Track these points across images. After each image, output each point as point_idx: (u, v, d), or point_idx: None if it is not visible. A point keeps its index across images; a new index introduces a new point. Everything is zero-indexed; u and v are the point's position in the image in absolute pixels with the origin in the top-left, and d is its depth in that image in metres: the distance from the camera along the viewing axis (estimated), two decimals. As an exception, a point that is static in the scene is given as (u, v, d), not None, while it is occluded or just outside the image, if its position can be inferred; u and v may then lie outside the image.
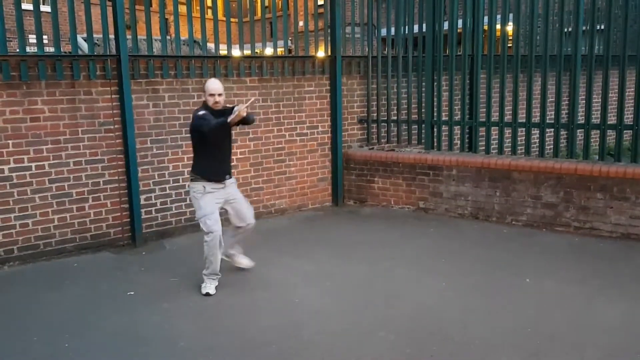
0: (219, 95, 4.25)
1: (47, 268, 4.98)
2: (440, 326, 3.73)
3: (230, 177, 4.45)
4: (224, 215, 4.50)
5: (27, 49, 5.18)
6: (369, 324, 3.78)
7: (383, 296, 4.22)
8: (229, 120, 4.01)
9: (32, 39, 5.33)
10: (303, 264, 4.94)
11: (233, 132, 4.48)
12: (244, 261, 4.79)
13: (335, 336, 3.64)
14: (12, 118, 4.94)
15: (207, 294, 4.30)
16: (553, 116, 5.99)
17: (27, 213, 5.08)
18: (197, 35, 7.73)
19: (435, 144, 6.79)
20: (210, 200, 4.31)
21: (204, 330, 3.76)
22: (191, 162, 5.84)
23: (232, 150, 4.80)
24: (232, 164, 6.14)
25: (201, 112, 4.23)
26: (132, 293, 4.40)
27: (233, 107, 4.16)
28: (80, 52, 5.43)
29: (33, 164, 5.06)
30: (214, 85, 4.27)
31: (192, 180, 4.38)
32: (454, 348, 3.45)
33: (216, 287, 4.36)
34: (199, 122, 4.17)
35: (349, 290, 4.32)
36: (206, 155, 4.30)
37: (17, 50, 5.03)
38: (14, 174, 4.99)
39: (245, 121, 4.25)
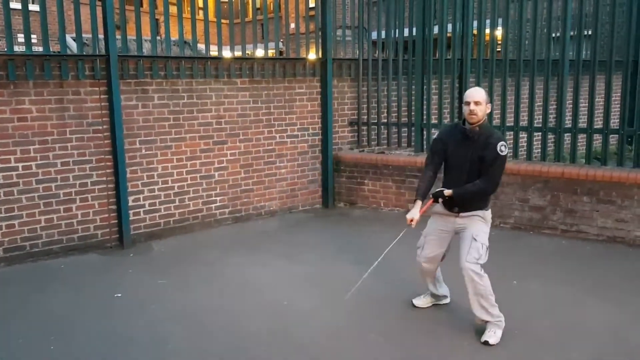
0: (475, 103, 3.40)
1: (34, 270, 4.93)
2: (430, 328, 3.75)
3: (467, 212, 3.57)
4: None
5: (16, 48, 5.13)
6: (359, 326, 3.79)
7: (373, 298, 4.22)
8: (448, 194, 3.53)
9: (21, 38, 5.28)
10: (293, 266, 4.94)
11: (470, 160, 3.52)
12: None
13: (325, 339, 3.64)
14: (-1, 118, 4.90)
15: (413, 305, 4.02)
16: (541, 120, 6.04)
17: (13, 214, 5.03)
18: (188, 36, 7.71)
19: (425, 147, 6.82)
20: (432, 224, 3.74)
21: (193, 332, 3.74)
22: (180, 162, 5.89)
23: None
24: (222, 164, 6.19)
25: (440, 132, 3.74)
26: (119, 295, 4.37)
27: (486, 134, 3.45)
28: (69, 52, 5.39)
29: (20, 164, 5.02)
30: (472, 92, 3.46)
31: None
32: (443, 350, 3.47)
33: (423, 302, 4.03)
34: (432, 146, 3.72)
35: (338, 292, 4.32)
36: (444, 173, 3.70)
37: (5, 49, 4.98)
38: (0, 174, 4.93)
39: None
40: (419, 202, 3.62)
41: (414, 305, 4.02)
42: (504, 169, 3.54)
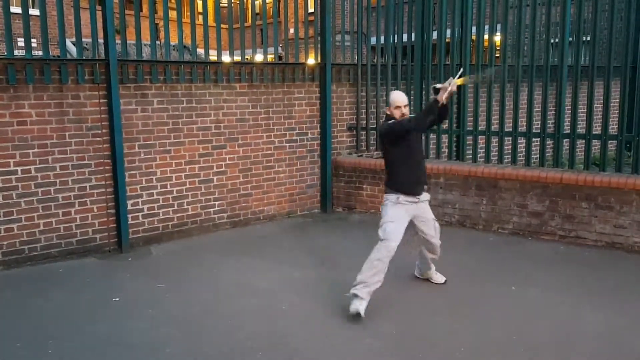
0: (405, 106, 4.03)
1: (32, 273, 4.93)
2: (427, 333, 3.74)
3: (425, 191, 4.19)
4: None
5: (16, 52, 5.15)
6: (356, 331, 3.79)
7: (370, 303, 4.21)
8: (441, 98, 3.80)
9: (21, 42, 5.30)
10: (291, 270, 4.94)
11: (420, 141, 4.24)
12: (437, 277, 4.56)
13: (322, 344, 3.64)
14: (-1, 121, 4.90)
15: (358, 314, 3.83)
16: (539, 126, 6.05)
17: (12, 217, 5.03)
18: (187, 41, 7.73)
19: (423, 152, 6.82)
20: (399, 211, 4.03)
21: (190, 336, 3.74)
22: (179, 167, 5.90)
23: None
24: (221, 169, 6.20)
25: (391, 122, 4.06)
26: (117, 299, 4.37)
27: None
28: (68, 56, 5.40)
29: (19, 168, 5.02)
30: (401, 97, 4.06)
31: (386, 192, 4.13)
32: (440, 355, 3.46)
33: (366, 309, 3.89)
34: (394, 126, 3.97)
35: (336, 297, 4.32)
36: (400, 165, 4.06)
37: (5, 53, 5.00)
38: (-1, 178, 4.95)
39: (444, 112, 4.08)
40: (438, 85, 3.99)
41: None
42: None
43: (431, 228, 4.24)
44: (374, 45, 7.21)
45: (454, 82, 3.88)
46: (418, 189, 4.11)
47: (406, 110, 4.03)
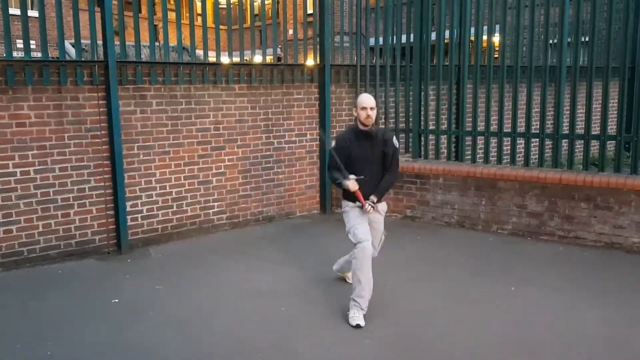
0: (371, 109, 3.97)
1: (31, 275, 4.93)
2: (426, 334, 3.74)
3: (379, 204, 4.14)
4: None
5: (14, 53, 5.15)
6: (355, 332, 3.78)
7: (370, 304, 4.21)
8: (349, 186, 3.92)
9: (20, 43, 5.30)
10: (290, 271, 4.94)
11: (375, 156, 4.09)
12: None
13: (321, 344, 3.63)
14: (-2, 123, 4.90)
15: (358, 326, 3.80)
16: (538, 126, 6.06)
17: (11, 219, 5.02)
18: (186, 42, 7.73)
19: (422, 153, 6.83)
20: (359, 213, 4.05)
21: (190, 338, 3.74)
22: (178, 168, 5.90)
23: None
24: (220, 170, 6.20)
25: (341, 138, 4.05)
26: (116, 301, 4.36)
27: (380, 132, 4.07)
28: (67, 58, 5.40)
29: (18, 170, 5.02)
30: (367, 99, 4.00)
31: (343, 199, 4.16)
32: (440, 356, 3.46)
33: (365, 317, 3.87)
34: (331, 154, 4.05)
35: (335, 298, 4.32)
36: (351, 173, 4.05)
37: (4, 54, 4.99)
38: (-2, 180, 4.94)
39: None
40: (352, 177, 3.98)
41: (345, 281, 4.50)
42: None
43: (377, 239, 4.24)
44: (372, 46, 7.21)
45: (369, 208, 3.97)
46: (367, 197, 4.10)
47: (372, 113, 3.97)
